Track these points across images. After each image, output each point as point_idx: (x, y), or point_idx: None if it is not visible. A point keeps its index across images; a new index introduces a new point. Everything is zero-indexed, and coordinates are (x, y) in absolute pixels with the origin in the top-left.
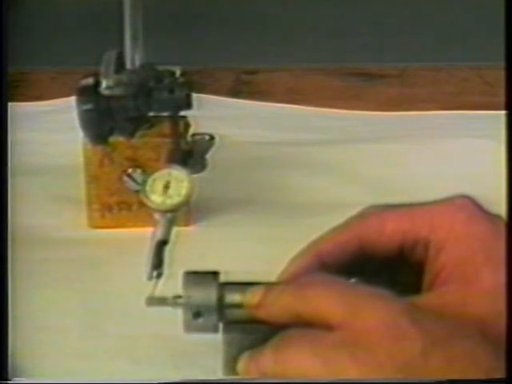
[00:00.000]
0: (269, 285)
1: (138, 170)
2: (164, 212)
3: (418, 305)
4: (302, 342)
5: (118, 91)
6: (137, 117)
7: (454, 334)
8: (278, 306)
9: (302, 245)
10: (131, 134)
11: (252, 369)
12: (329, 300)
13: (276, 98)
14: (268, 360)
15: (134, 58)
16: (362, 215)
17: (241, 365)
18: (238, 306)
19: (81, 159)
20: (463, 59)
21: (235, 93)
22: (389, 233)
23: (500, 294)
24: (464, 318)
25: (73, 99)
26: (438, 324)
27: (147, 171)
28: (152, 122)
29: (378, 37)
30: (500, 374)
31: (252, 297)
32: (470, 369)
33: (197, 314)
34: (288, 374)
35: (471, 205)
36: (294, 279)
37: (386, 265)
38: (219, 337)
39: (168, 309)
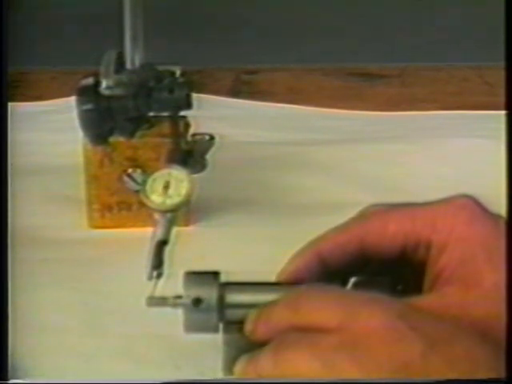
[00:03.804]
0: (261, 308)
1: (138, 170)
2: (164, 212)
3: (418, 306)
4: (301, 344)
5: (118, 91)
6: (137, 117)
7: (454, 335)
8: (273, 326)
9: (301, 245)
10: (131, 134)
11: (250, 372)
12: (324, 307)
13: (276, 98)
14: (267, 363)
15: (133, 58)
16: (363, 215)
17: (239, 367)
18: (238, 306)
19: (81, 159)
20: (463, 59)
21: (235, 93)
22: (390, 234)
23: (501, 294)
24: (465, 318)
25: (73, 99)
26: (437, 326)
27: (147, 171)
28: (152, 122)
29: (378, 37)
30: (500, 375)
31: (248, 325)
32: (469, 370)
33: (197, 301)
34: (287, 377)
35: (473, 205)
36: (293, 278)
37: (386, 265)
38: (219, 337)
39: (168, 309)
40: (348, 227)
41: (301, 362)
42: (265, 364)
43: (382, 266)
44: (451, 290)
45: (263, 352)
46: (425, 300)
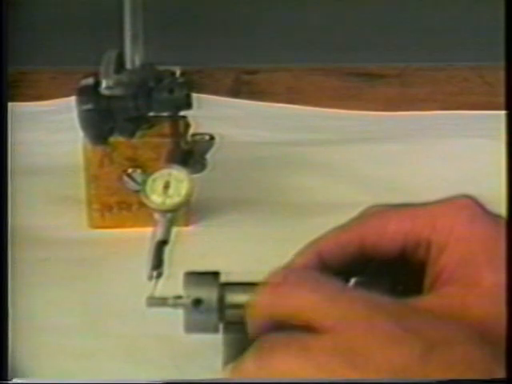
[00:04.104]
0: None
1: (138, 170)
2: (164, 212)
3: (417, 306)
4: (291, 348)
5: (118, 91)
6: (137, 117)
7: (454, 336)
8: (256, 321)
9: (301, 245)
10: (131, 134)
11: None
12: (317, 302)
13: (276, 98)
14: (250, 369)
15: (134, 58)
16: (364, 215)
17: (225, 375)
18: (239, 306)
19: (81, 159)
20: (463, 59)
21: (235, 93)
22: (390, 234)
23: (501, 295)
24: (464, 319)
25: (73, 99)
26: (437, 327)
27: (147, 171)
28: (152, 122)
29: (378, 37)
30: (499, 376)
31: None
32: (468, 372)
33: (197, 302)
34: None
35: (473, 205)
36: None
37: (387, 265)
38: (219, 337)
39: (168, 309)
40: (348, 227)
41: (293, 367)
42: (248, 370)
43: (382, 266)
44: (451, 291)
45: (245, 357)
46: (424, 300)
